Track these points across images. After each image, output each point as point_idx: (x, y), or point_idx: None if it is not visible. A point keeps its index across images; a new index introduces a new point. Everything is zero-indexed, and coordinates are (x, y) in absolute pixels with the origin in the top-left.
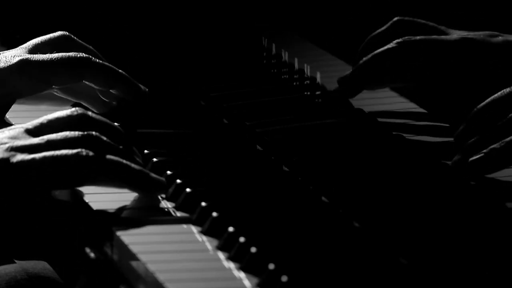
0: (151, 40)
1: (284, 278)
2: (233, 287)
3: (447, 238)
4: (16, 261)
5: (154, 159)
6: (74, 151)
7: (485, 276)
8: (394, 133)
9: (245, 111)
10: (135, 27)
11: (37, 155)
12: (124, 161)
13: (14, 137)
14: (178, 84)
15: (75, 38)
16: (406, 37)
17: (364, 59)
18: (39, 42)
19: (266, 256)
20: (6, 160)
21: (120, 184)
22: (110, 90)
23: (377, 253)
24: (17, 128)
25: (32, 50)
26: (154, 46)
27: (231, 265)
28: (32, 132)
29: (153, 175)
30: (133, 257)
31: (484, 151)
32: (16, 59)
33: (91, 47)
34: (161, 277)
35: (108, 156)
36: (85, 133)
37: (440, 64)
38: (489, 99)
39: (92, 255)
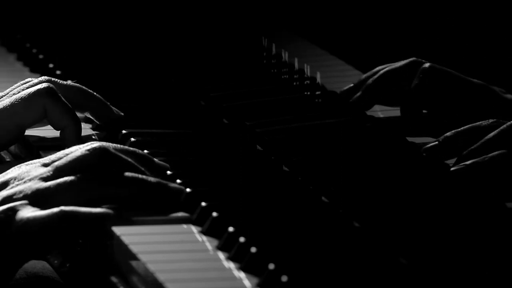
0: (152, 40)
1: (284, 278)
2: (233, 287)
3: (447, 238)
4: None
5: (154, 159)
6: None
7: (485, 276)
8: (394, 133)
9: (245, 111)
10: (135, 27)
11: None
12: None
13: (29, 171)
14: (178, 84)
15: (57, 80)
16: (433, 65)
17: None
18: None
19: (266, 256)
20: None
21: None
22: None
23: (377, 253)
24: (33, 165)
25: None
26: (155, 46)
27: (231, 265)
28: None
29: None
30: (133, 257)
31: (467, 162)
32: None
33: (75, 84)
34: (161, 277)
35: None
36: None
37: (459, 101)
38: (466, 127)
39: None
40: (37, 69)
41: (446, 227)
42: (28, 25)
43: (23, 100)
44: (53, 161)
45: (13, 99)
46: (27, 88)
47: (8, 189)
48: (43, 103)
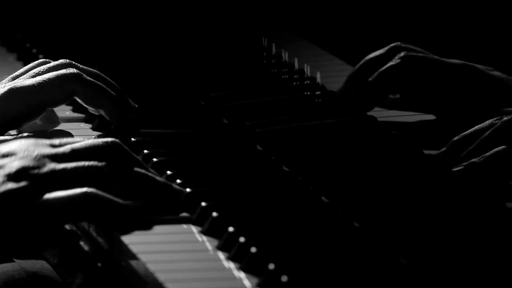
0: (152, 40)
1: (284, 278)
2: (233, 287)
3: (447, 238)
4: (14, 260)
5: (154, 159)
6: (80, 192)
7: (485, 276)
8: (394, 133)
9: (245, 111)
10: (135, 27)
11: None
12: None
13: (38, 145)
14: (178, 84)
15: (77, 65)
16: (409, 53)
17: (371, 79)
18: (34, 68)
19: (266, 256)
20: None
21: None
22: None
23: (377, 253)
24: (37, 141)
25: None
26: (155, 46)
27: (231, 265)
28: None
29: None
30: (133, 257)
31: (464, 163)
32: (5, 89)
33: (96, 71)
34: (161, 277)
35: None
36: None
37: (440, 84)
38: (471, 129)
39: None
40: None
41: (446, 227)
42: (28, 25)
43: (51, 81)
44: (65, 144)
45: (40, 79)
46: (48, 69)
47: (13, 161)
48: (72, 87)
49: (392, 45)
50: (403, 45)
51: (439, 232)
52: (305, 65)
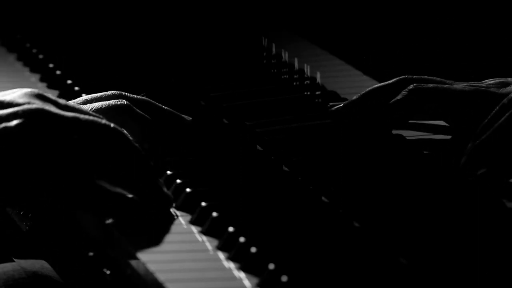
0: (152, 40)
1: (284, 278)
2: (233, 287)
3: (447, 238)
4: (14, 259)
5: None
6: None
7: (485, 276)
8: (394, 132)
9: (245, 111)
10: (135, 27)
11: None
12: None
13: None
14: (178, 84)
15: (129, 95)
16: (417, 85)
17: (380, 111)
18: (89, 99)
19: (266, 256)
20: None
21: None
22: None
23: (377, 253)
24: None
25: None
26: (155, 46)
27: (231, 265)
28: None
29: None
30: (133, 257)
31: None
32: (31, 106)
33: (147, 99)
34: (161, 277)
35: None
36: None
37: (451, 112)
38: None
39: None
40: (37, 69)
41: (446, 227)
42: (28, 25)
43: (101, 112)
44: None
45: (90, 108)
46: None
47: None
48: (121, 119)
49: (401, 77)
50: (414, 77)
51: (439, 232)
52: (305, 65)
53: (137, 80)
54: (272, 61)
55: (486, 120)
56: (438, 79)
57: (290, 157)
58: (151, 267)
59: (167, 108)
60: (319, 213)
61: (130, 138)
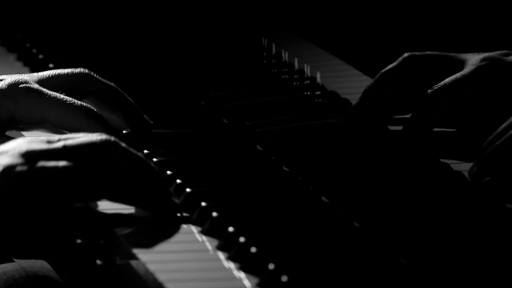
0: (152, 40)
1: (284, 278)
2: (233, 287)
3: (447, 238)
4: (15, 260)
5: (154, 159)
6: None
7: (485, 276)
8: (394, 132)
9: (245, 111)
10: (135, 27)
11: (59, 163)
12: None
13: (32, 142)
14: (178, 84)
15: (95, 77)
16: (410, 53)
17: (371, 83)
18: (54, 74)
19: (266, 256)
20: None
21: (138, 204)
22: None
23: (377, 253)
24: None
25: (43, 81)
26: (155, 46)
27: (231, 265)
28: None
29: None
30: (133, 257)
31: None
32: (22, 85)
33: (112, 84)
34: (161, 277)
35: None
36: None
37: (465, 100)
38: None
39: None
40: (37, 69)
41: (446, 227)
42: (28, 25)
43: (61, 107)
44: (62, 140)
45: (53, 98)
46: (63, 74)
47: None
48: (79, 122)
49: (404, 55)
50: (416, 54)
51: (439, 232)
52: (305, 65)
53: (138, 80)
54: (272, 61)
55: (499, 130)
56: (441, 54)
57: (290, 157)
58: (151, 267)
59: (133, 103)
60: (319, 213)
61: (130, 149)
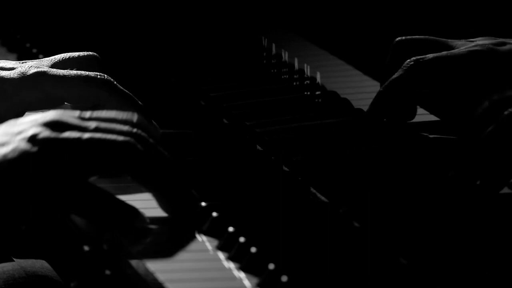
0: (152, 40)
1: (284, 278)
2: (233, 287)
3: (447, 238)
4: (14, 259)
5: None
6: (123, 138)
7: (485, 276)
8: (394, 132)
9: (245, 111)
10: (135, 27)
11: (85, 134)
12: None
13: (63, 114)
14: (178, 84)
15: (102, 62)
16: (414, 58)
17: (381, 89)
18: (65, 58)
19: (266, 256)
20: (53, 137)
21: (158, 188)
22: None
23: (377, 253)
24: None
25: (55, 65)
26: (155, 46)
27: (231, 265)
28: (81, 117)
29: (193, 194)
30: (134, 256)
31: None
32: (33, 70)
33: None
34: (161, 277)
35: (155, 155)
36: (135, 130)
37: (451, 79)
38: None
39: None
40: None
41: (446, 227)
42: (28, 25)
43: (81, 80)
44: (94, 119)
45: (71, 74)
46: (72, 58)
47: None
48: (97, 94)
49: (395, 41)
50: (407, 38)
51: (439, 232)
52: (305, 65)
53: (137, 80)
54: (272, 61)
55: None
56: (432, 38)
57: (290, 157)
58: (151, 267)
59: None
60: (319, 213)
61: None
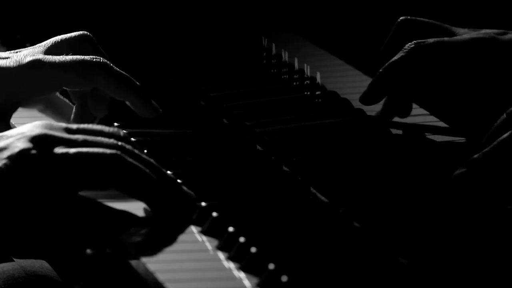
0: (151, 40)
1: (284, 278)
2: (233, 287)
3: (447, 238)
4: (14, 259)
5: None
6: (110, 151)
7: (485, 276)
8: (394, 132)
9: (245, 111)
10: (135, 26)
11: (71, 150)
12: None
13: (50, 128)
14: (178, 84)
15: (94, 40)
16: (415, 42)
17: (380, 71)
18: (57, 41)
19: (266, 256)
20: (42, 154)
21: (148, 199)
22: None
23: (377, 253)
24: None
25: (48, 50)
26: (154, 46)
27: (231, 265)
28: (68, 130)
29: (185, 192)
30: (133, 256)
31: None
32: (28, 58)
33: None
34: (161, 277)
35: (142, 166)
36: (120, 143)
37: (452, 65)
38: (491, 130)
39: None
40: None
41: (446, 227)
42: (28, 25)
43: (77, 65)
44: (81, 130)
45: (67, 60)
46: (66, 38)
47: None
48: (95, 77)
49: (399, 20)
50: (410, 18)
51: (439, 232)
52: (305, 65)
53: (137, 80)
54: (272, 61)
55: (491, 130)
56: (436, 22)
57: (290, 157)
58: (151, 267)
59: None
60: (319, 213)
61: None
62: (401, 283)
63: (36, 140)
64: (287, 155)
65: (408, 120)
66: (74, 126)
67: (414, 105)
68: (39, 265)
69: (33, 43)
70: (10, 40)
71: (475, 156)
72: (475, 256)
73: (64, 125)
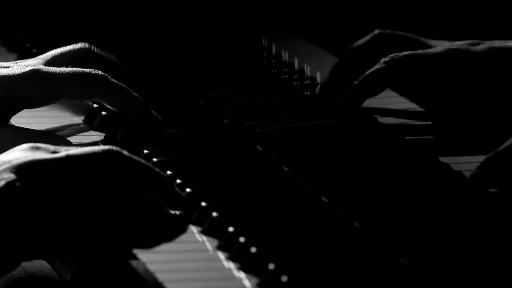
0: (151, 40)
1: (284, 278)
2: (233, 287)
3: (447, 238)
4: None
5: (154, 159)
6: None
7: (485, 276)
8: (393, 132)
9: (245, 111)
10: (135, 26)
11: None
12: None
13: (33, 156)
14: (178, 84)
15: (96, 50)
16: (390, 56)
17: (356, 83)
18: (57, 53)
19: (266, 256)
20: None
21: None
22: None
23: (377, 253)
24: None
25: (49, 62)
26: (154, 45)
27: (231, 265)
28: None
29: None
30: (133, 257)
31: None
32: (28, 68)
33: (113, 56)
34: (161, 277)
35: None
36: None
37: (428, 77)
38: (506, 145)
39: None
40: None
41: (446, 227)
42: (28, 25)
43: (75, 77)
44: (64, 150)
45: (66, 72)
46: (66, 51)
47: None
48: (93, 89)
49: (375, 32)
50: (386, 32)
51: (439, 232)
52: (305, 65)
53: (137, 79)
54: (272, 61)
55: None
56: (411, 35)
57: (290, 157)
58: (151, 267)
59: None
60: (319, 213)
61: (133, 157)
62: (401, 283)
63: (22, 169)
64: (287, 155)
65: (408, 121)
66: (63, 148)
67: (413, 104)
68: (39, 265)
69: (33, 43)
70: (10, 40)
71: (489, 155)
72: (475, 256)
73: (51, 147)
